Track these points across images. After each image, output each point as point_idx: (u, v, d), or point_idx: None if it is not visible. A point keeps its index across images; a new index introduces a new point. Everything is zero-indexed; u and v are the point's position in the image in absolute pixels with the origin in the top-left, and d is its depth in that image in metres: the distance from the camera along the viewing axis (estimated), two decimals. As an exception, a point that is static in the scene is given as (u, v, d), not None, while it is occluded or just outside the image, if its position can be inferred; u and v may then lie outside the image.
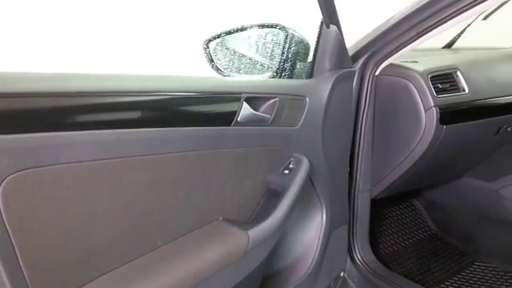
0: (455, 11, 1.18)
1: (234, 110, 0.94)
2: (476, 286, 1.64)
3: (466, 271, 1.73)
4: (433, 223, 2.05)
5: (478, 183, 1.86)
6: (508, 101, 1.52)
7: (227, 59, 1.28)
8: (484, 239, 1.86)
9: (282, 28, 1.23)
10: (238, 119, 0.94)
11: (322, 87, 1.18)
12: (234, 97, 0.95)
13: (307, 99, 1.13)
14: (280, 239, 1.12)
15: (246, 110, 0.96)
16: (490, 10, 1.77)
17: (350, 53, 1.32)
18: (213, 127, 0.91)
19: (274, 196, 1.07)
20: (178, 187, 0.87)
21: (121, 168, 0.76)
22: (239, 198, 1.01)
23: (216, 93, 0.93)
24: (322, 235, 1.28)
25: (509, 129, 1.57)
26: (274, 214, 1.00)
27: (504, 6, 1.60)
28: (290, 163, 1.11)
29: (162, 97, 0.83)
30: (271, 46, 1.27)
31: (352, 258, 1.50)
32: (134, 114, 0.79)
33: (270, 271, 1.28)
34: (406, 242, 1.94)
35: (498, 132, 1.55)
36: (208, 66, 1.28)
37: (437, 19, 1.22)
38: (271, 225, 0.99)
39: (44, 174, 0.66)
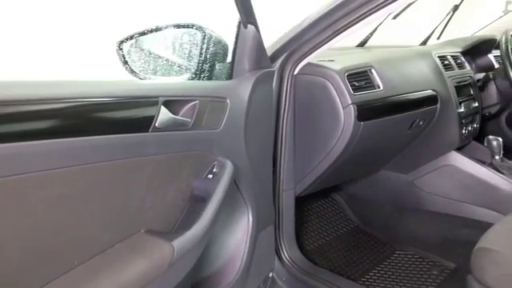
0: (367, 11, 1.22)
1: (152, 114, 0.89)
2: (398, 273, 1.71)
3: (388, 260, 1.80)
4: (354, 216, 2.12)
5: (394, 175, 1.95)
6: (419, 96, 1.61)
7: (142, 61, 1.22)
8: (403, 228, 1.95)
9: (199, 28, 1.20)
10: (157, 124, 0.89)
11: (243, 88, 1.17)
12: (150, 101, 0.90)
13: (228, 101, 1.11)
14: (207, 245, 1.09)
15: (164, 114, 0.91)
16: (399, 10, 1.86)
17: (269, 53, 1.32)
18: (129, 134, 0.86)
19: (198, 202, 1.03)
20: (92, 201, 0.80)
21: (26, 185, 0.69)
22: (162, 207, 0.97)
23: (131, 97, 0.88)
24: (249, 238, 1.26)
25: (421, 123, 1.65)
26: (199, 222, 0.96)
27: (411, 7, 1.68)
28: (213, 167, 1.08)
29: (70, 104, 0.77)
30: (188, 46, 1.23)
31: (280, 258, 1.50)
32: (36, 125, 0.71)
33: (198, 278, 1.24)
34: (331, 237, 1.99)
35: (411, 126, 1.63)
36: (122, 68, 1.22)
37: (351, 19, 1.25)
38: (197, 233, 0.95)
39: None
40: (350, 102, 1.38)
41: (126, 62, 1.19)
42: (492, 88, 2.09)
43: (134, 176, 0.89)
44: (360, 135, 1.43)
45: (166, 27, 1.20)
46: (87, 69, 1.91)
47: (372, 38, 2.04)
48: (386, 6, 1.20)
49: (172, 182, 0.99)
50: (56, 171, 0.73)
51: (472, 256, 1.15)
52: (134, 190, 0.90)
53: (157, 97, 0.90)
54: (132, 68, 1.20)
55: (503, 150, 1.82)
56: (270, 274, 1.47)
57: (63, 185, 0.75)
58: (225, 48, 1.24)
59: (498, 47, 2.06)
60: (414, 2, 1.49)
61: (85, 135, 0.78)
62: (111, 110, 0.85)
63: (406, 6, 1.69)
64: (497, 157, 1.81)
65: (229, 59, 1.23)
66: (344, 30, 1.28)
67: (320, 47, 1.33)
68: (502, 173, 1.77)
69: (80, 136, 0.77)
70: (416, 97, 1.60)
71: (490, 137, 1.82)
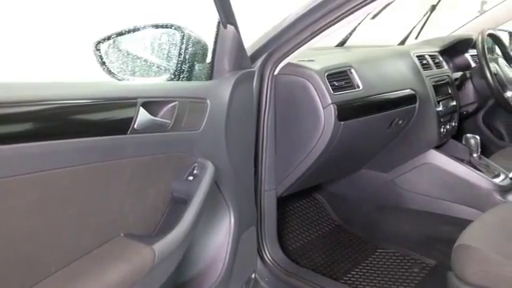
0: (346, 11, 1.23)
1: (130, 116, 0.87)
2: (379, 271, 1.72)
3: (370, 259, 1.81)
4: (336, 215, 2.13)
5: (375, 174, 1.96)
6: (398, 95, 1.62)
7: (121, 62, 1.20)
8: (384, 227, 1.96)
9: (178, 28, 1.19)
10: (135, 126, 0.88)
11: (223, 89, 1.16)
12: (129, 102, 0.88)
13: (208, 101, 1.10)
14: (188, 248, 1.07)
15: (143, 115, 0.90)
16: (378, 10, 1.87)
17: (249, 53, 1.31)
18: (107, 136, 0.84)
19: (179, 204, 1.02)
20: (70, 205, 0.79)
21: (0, 190, 0.67)
22: (141, 210, 0.95)
23: (109, 98, 0.86)
24: (231, 239, 1.25)
25: (400, 122, 1.66)
26: (180, 224, 0.95)
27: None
28: (194, 169, 1.07)
29: (45, 106, 0.75)
30: (167, 46, 1.21)
31: (262, 258, 1.49)
32: (10, 128, 0.69)
33: (180, 282, 1.23)
34: (313, 236, 1.99)
35: (390, 125, 1.64)
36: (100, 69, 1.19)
37: (330, 19, 1.25)
38: (178, 235, 0.94)
39: None
40: (330, 101, 1.38)
41: (103, 63, 1.17)
42: (469, 87, 2.13)
43: (113, 179, 0.87)
44: (340, 135, 1.43)
45: (144, 27, 1.18)
46: (63, 70, 1.88)
47: (351, 37, 2.05)
48: (364, 6, 1.20)
49: (152, 185, 0.98)
50: (32, 175, 0.71)
51: (452, 253, 1.17)
52: (113, 193, 0.88)
53: (135, 98, 0.89)
54: (110, 69, 1.17)
55: (480, 148, 1.85)
56: (253, 275, 1.46)
57: (39, 189, 0.73)
58: (204, 48, 1.23)
59: (474, 47, 2.09)
60: (392, 2, 1.51)
61: (61, 138, 0.76)
62: (88, 112, 0.84)
63: (384, 6, 1.70)
64: (475, 155, 1.84)
65: (208, 59, 1.23)
66: (323, 30, 1.28)
67: (300, 47, 1.33)
68: (480, 170, 1.79)
69: (56, 139, 0.75)
70: (395, 96, 1.61)
71: (468, 135, 1.85)
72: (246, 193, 1.36)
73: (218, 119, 1.13)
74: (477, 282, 1.09)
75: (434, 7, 2.28)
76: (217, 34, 1.19)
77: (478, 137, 1.84)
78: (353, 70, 1.49)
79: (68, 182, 0.78)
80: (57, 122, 0.77)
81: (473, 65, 2.23)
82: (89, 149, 0.81)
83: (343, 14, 1.23)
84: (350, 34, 2.03)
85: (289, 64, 1.40)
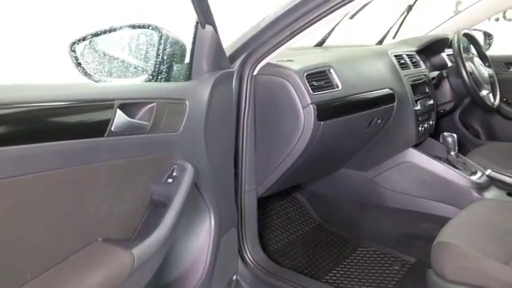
0: (325, 11, 1.23)
1: (107, 118, 0.86)
2: (360, 270, 1.73)
3: (351, 257, 1.82)
4: (316, 215, 2.13)
5: (354, 173, 1.98)
6: (377, 95, 1.63)
7: (97, 63, 1.18)
8: (364, 225, 1.97)
9: (155, 28, 1.17)
10: (112, 128, 0.86)
11: (202, 89, 1.15)
12: (106, 104, 0.87)
13: (187, 102, 1.08)
14: (169, 251, 1.06)
15: (120, 117, 0.88)
16: (356, 10, 1.88)
17: (227, 53, 1.31)
18: (84, 139, 0.83)
19: (158, 207, 1.00)
20: (45, 211, 0.77)
21: None
22: (120, 214, 0.94)
23: (85, 101, 0.85)
24: (211, 241, 1.24)
25: (379, 121, 1.68)
26: (159, 227, 0.94)
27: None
28: (173, 171, 1.06)
29: (20, 109, 0.73)
30: (145, 47, 1.20)
31: (243, 260, 1.49)
32: None
33: (161, 285, 1.22)
34: (293, 236, 1.99)
35: (369, 125, 1.65)
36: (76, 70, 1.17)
37: (309, 18, 1.26)
38: (157, 239, 0.93)
39: None
40: (309, 101, 1.38)
41: (79, 64, 1.14)
42: (446, 86, 2.15)
43: (90, 183, 0.86)
44: (320, 134, 1.44)
45: (121, 28, 1.16)
46: (37, 72, 1.84)
47: (330, 37, 2.06)
48: (342, 6, 1.21)
49: (130, 188, 0.96)
50: (5, 180, 0.69)
51: (431, 250, 1.18)
52: (90, 197, 0.86)
53: (112, 100, 0.87)
54: (86, 70, 1.15)
55: (458, 146, 1.88)
56: (234, 277, 1.45)
57: (13, 195, 0.71)
58: (182, 48, 1.22)
59: (450, 46, 2.12)
60: (369, 3, 1.51)
61: (36, 142, 0.74)
62: (64, 115, 0.82)
63: (362, 6, 1.71)
64: (452, 153, 1.86)
65: (187, 60, 1.22)
66: (302, 30, 1.28)
67: (279, 47, 1.32)
68: (458, 168, 1.82)
69: (31, 143, 0.73)
70: (374, 96, 1.62)
71: (446, 133, 1.87)
72: (227, 194, 1.36)
73: (197, 120, 1.12)
74: (456, 278, 1.10)
75: (410, 7, 2.31)
76: (195, 34, 1.18)
77: (455, 135, 1.87)
78: (332, 70, 1.50)
79: (43, 186, 0.76)
80: (31, 125, 0.75)
81: (449, 64, 2.26)
82: (65, 152, 0.79)
83: (322, 13, 1.23)
84: (329, 33, 2.04)
85: (268, 64, 1.39)
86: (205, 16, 1.13)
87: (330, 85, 1.47)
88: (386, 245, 1.84)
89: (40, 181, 0.75)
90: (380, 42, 2.30)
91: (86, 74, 1.15)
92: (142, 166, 0.98)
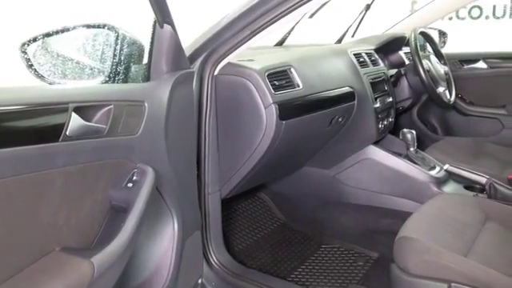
0: (284, 10, 1.23)
1: (62, 122, 0.83)
2: (325, 267, 1.75)
3: (315, 255, 1.83)
4: (280, 213, 2.14)
5: (317, 171, 1.99)
6: (337, 93, 1.64)
7: (50, 64, 1.13)
8: (327, 222, 1.99)
9: (112, 28, 1.14)
10: (68, 133, 0.83)
11: (161, 90, 1.12)
12: (60, 107, 0.83)
13: (146, 104, 1.06)
14: (131, 258, 1.03)
15: (75, 121, 0.85)
16: (315, 9, 1.89)
17: (187, 53, 1.28)
18: (37, 145, 0.79)
19: (118, 213, 0.97)
20: None
21: None
22: (77, 221, 0.90)
23: (38, 104, 0.81)
24: (175, 245, 1.22)
25: (340, 119, 1.69)
26: (120, 234, 0.91)
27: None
28: (133, 175, 1.03)
29: None
30: (101, 47, 1.16)
31: (208, 262, 1.47)
32: None
33: (124, 293, 1.18)
34: (258, 236, 1.99)
35: (330, 123, 1.66)
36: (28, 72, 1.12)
37: (268, 18, 1.25)
38: (118, 246, 0.90)
39: None
40: (271, 101, 1.37)
41: (30, 66, 1.09)
42: (404, 83, 2.20)
43: (45, 190, 0.82)
44: (282, 134, 1.43)
45: (75, 27, 1.12)
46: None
47: (289, 36, 2.06)
48: (301, 5, 1.21)
49: (88, 194, 0.93)
50: None
51: (394, 245, 1.20)
52: (45, 205, 0.82)
53: (67, 103, 0.84)
54: (39, 72, 1.10)
55: (416, 142, 1.92)
56: (199, 280, 1.43)
57: None
58: (140, 49, 1.19)
59: (407, 44, 2.16)
60: (328, 2, 1.52)
61: None
62: (16, 120, 0.78)
63: (321, 5, 1.72)
64: (411, 148, 1.90)
65: (145, 60, 1.19)
66: (262, 30, 1.28)
67: (239, 47, 1.32)
68: (417, 164, 1.86)
69: None
70: (334, 94, 1.63)
71: (405, 130, 1.91)
72: (189, 197, 1.33)
73: (156, 122, 1.10)
74: (418, 272, 1.12)
75: (368, 6, 2.34)
76: (153, 34, 1.15)
77: (413, 131, 1.91)
78: (292, 70, 1.50)
79: None
80: None
81: (407, 62, 2.30)
82: (18, 159, 0.75)
83: (281, 13, 1.23)
84: (289, 33, 2.05)
85: (229, 64, 1.38)
86: (163, 15, 1.10)
87: (290, 84, 1.47)
88: (350, 241, 1.86)
89: None
90: (339, 41, 2.32)
91: (38, 76, 1.10)
92: (100, 171, 0.95)
